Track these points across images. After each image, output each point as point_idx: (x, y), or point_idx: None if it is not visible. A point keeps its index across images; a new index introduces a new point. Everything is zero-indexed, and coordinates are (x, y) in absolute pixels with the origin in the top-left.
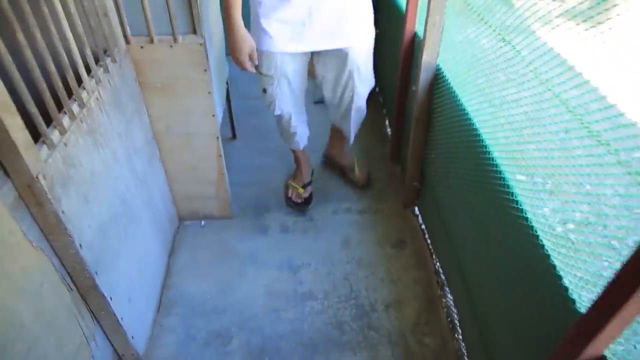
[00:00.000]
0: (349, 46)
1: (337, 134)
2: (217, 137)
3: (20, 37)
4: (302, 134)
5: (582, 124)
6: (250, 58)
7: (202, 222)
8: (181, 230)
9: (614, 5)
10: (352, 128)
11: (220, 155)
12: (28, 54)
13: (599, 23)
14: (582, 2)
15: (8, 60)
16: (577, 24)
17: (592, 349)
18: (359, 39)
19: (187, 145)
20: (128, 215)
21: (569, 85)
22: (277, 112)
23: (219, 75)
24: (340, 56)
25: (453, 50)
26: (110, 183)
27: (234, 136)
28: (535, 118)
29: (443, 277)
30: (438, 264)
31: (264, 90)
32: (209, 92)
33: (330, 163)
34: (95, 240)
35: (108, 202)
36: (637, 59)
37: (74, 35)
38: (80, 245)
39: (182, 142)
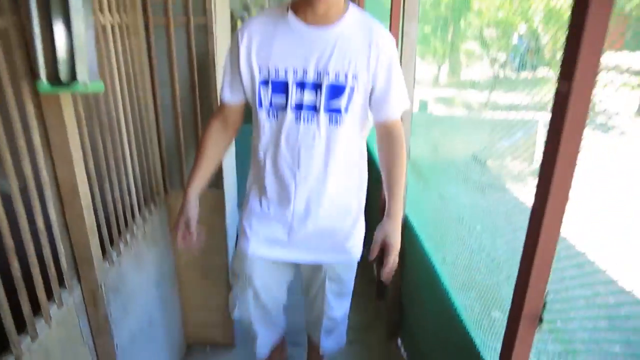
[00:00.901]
0: (325, 262)
1: (312, 353)
2: (228, 271)
3: (108, 197)
4: (265, 340)
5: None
6: (188, 231)
7: (207, 348)
8: (188, 356)
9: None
10: (323, 337)
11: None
12: (108, 198)
13: None
14: None
15: (99, 205)
16: None
17: None
18: (337, 258)
19: (202, 276)
20: (152, 330)
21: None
22: (235, 316)
23: (231, 221)
24: (315, 265)
25: (416, 202)
26: (143, 300)
27: None
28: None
29: None
30: None
31: (231, 286)
32: (224, 234)
33: None
34: (127, 345)
35: (139, 316)
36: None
37: (135, 187)
38: (117, 346)
39: (199, 274)
